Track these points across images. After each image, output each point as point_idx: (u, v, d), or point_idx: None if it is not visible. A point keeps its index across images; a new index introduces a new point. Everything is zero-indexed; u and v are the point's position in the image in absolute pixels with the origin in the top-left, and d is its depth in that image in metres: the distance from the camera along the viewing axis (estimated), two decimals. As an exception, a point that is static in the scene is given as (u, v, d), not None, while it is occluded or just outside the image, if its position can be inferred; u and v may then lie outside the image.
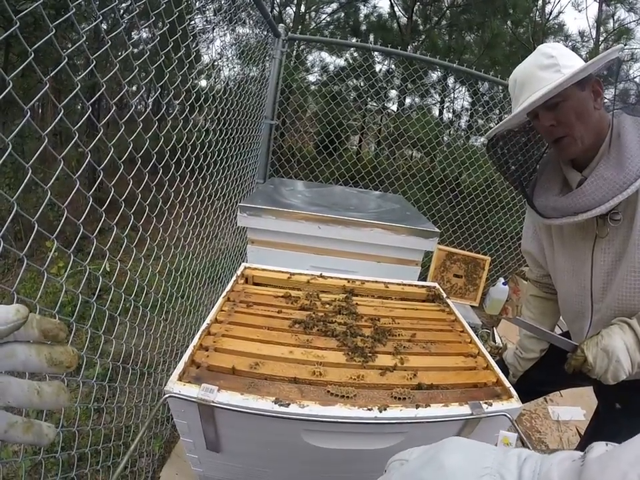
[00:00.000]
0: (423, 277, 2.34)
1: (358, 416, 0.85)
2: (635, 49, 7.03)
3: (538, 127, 1.19)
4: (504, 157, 1.37)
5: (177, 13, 1.59)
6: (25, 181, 1.09)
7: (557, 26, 7.42)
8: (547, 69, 1.09)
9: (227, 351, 1.01)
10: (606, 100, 1.14)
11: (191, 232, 2.15)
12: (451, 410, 0.91)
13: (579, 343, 1.15)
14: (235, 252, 3.18)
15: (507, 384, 1.02)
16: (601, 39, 7.26)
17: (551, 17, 7.33)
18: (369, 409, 0.87)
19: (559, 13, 7.33)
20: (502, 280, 4.10)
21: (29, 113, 1.04)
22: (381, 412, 0.86)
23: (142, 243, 1.72)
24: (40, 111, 7.72)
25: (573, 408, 2.61)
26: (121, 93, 1.48)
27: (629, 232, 1.08)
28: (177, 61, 1.68)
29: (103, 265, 1.99)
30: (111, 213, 1.48)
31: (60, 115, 1.15)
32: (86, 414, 2.06)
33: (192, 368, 0.95)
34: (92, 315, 1.49)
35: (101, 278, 1.50)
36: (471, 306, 3.91)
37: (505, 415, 0.92)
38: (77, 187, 1.23)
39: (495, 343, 3.57)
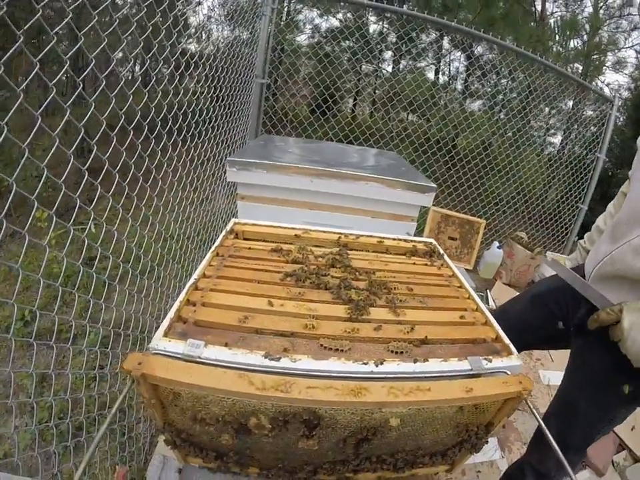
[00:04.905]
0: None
1: (353, 370, 0.81)
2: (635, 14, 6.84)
3: None
4: None
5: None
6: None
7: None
8: None
9: (214, 305, 0.96)
10: None
11: (180, 193, 2.09)
12: (450, 365, 0.86)
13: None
14: (228, 214, 3.14)
15: (507, 340, 0.97)
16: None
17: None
18: (365, 363, 0.82)
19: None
20: (496, 243, 4.07)
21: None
22: (377, 366, 0.82)
23: (131, 209, 1.67)
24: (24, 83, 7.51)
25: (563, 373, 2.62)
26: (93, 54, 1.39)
27: None
28: (161, 15, 1.59)
29: (88, 226, 1.93)
30: (103, 182, 1.42)
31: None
32: (80, 381, 2.03)
33: (178, 324, 0.90)
34: (79, 280, 1.44)
35: (86, 240, 1.44)
36: (465, 269, 3.90)
37: (505, 372, 0.88)
38: (44, 174, 1.16)
39: (489, 305, 3.57)
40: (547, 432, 0.83)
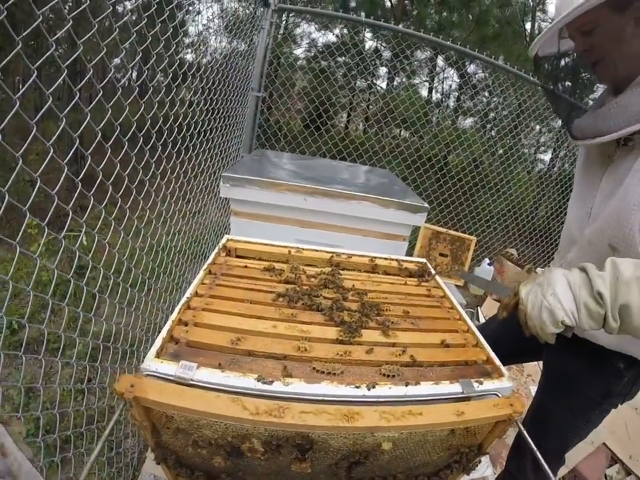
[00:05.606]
0: (408, 254, 2.30)
1: (345, 394, 0.81)
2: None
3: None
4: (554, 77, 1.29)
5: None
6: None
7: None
8: None
9: (207, 326, 0.96)
10: None
11: (173, 206, 2.10)
12: (442, 388, 0.87)
13: None
14: (220, 227, 3.14)
15: (497, 362, 0.98)
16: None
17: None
18: (357, 387, 0.82)
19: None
20: (487, 260, 4.11)
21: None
22: (369, 390, 0.82)
23: (123, 220, 1.67)
24: (20, 85, 7.51)
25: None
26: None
27: (634, 162, 1.00)
28: (160, 25, 1.61)
29: (80, 238, 1.93)
30: (95, 191, 1.42)
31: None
32: (68, 394, 2.01)
33: (170, 344, 0.89)
34: (69, 292, 1.42)
35: (77, 252, 1.43)
36: (456, 285, 3.92)
37: (496, 394, 0.89)
38: (38, 184, 1.15)
39: (479, 322, 3.59)
40: (528, 438, 0.86)
